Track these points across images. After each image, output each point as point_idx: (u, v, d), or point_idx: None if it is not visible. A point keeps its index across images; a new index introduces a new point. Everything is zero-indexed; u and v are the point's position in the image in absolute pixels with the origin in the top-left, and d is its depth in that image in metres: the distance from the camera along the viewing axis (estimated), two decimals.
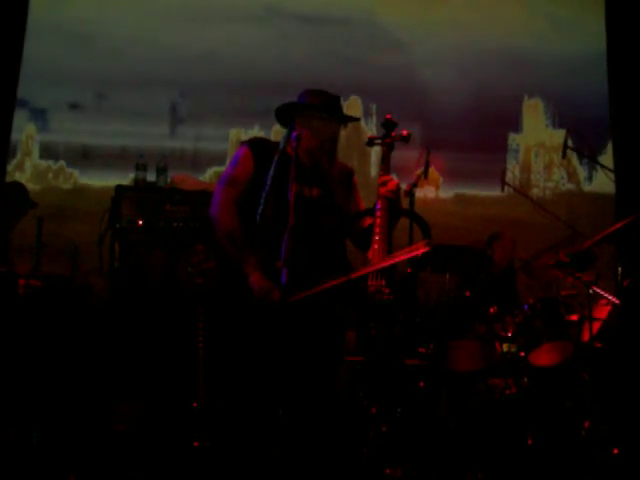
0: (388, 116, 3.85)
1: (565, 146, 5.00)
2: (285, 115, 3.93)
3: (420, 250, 3.44)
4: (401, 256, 3.50)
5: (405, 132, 3.79)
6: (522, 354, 5.01)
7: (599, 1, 7.23)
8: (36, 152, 6.87)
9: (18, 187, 5.60)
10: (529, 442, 4.55)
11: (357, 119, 4.16)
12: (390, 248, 3.67)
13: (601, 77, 7.18)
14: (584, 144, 5.05)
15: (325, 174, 3.90)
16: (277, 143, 3.90)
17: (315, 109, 3.84)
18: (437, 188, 7.21)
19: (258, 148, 3.89)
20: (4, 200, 5.37)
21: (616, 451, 4.38)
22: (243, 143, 3.97)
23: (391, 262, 3.53)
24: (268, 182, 3.74)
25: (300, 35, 7.15)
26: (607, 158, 7.01)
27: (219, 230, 3.83)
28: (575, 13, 7.32)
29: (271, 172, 3.76)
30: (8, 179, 6.44)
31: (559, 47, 7.31)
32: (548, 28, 7.34)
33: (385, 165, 3.79)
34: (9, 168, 6.62)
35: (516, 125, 7.39)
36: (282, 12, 7.21)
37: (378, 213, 3.69)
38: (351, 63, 7.14)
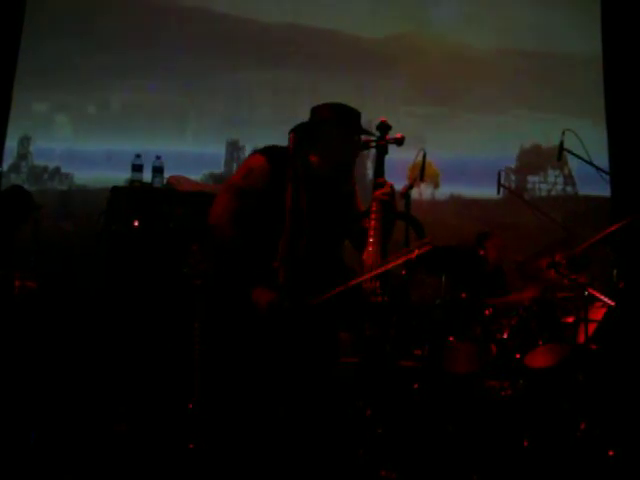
0: (382, 119, 3.83)
1: (561, 148, 4.98)
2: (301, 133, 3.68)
3: (415, 253, 3.45)
4: (397, 260, 3.51)
5: (399, 135, 3.77)
6: (518, 356, 5.02)
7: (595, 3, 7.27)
8: (32, 154, 6.87)
9: (19, 191, 5.56)
10: (525, 444, 4.55)
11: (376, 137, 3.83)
12: (385, 250, 3.67)
13: (597, 78, 7.20)
14: (580, 146, 5.04)
15: (331, 197, 3.83)
16: (287, 149, 3.68)
17: (335, 125, 3.72)
18: (436, 186, 7.20)
19: (276, 161, 3.68)
20: (7, 205, 5.33)
21: (612, 453, 4.38)
22: (258, 152, 3.78)
23: (390, 266, 3.53)
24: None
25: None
26: (603, 160, 7.01)
27: (218, 242, 3.71)
28: (571, 15, 7.34)
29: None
30: (4, 181, 6.44)
31: (555, 49, 7.33)
32: (544, 30, 7.35)
33: (379, 168, 3.79)
34: (5, 169, 6.62)
35: (512, 127, 7.40)
36: None
37: (372, 215, 3.69)
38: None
